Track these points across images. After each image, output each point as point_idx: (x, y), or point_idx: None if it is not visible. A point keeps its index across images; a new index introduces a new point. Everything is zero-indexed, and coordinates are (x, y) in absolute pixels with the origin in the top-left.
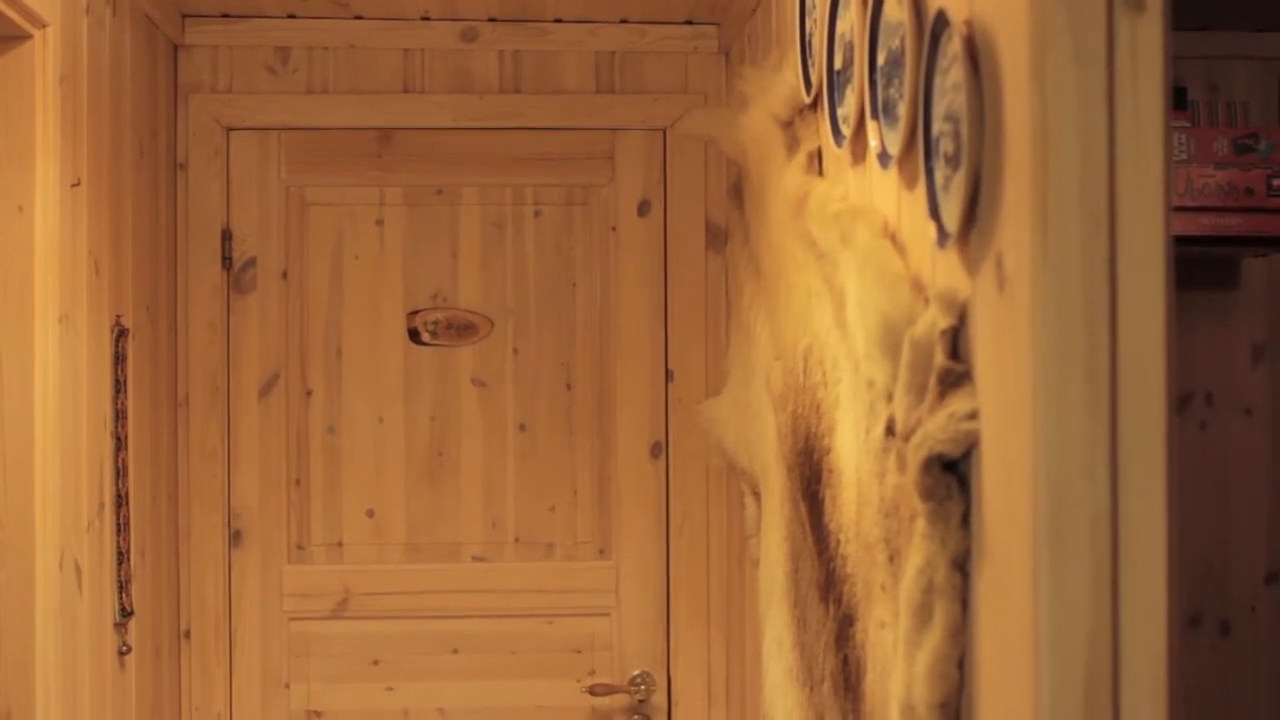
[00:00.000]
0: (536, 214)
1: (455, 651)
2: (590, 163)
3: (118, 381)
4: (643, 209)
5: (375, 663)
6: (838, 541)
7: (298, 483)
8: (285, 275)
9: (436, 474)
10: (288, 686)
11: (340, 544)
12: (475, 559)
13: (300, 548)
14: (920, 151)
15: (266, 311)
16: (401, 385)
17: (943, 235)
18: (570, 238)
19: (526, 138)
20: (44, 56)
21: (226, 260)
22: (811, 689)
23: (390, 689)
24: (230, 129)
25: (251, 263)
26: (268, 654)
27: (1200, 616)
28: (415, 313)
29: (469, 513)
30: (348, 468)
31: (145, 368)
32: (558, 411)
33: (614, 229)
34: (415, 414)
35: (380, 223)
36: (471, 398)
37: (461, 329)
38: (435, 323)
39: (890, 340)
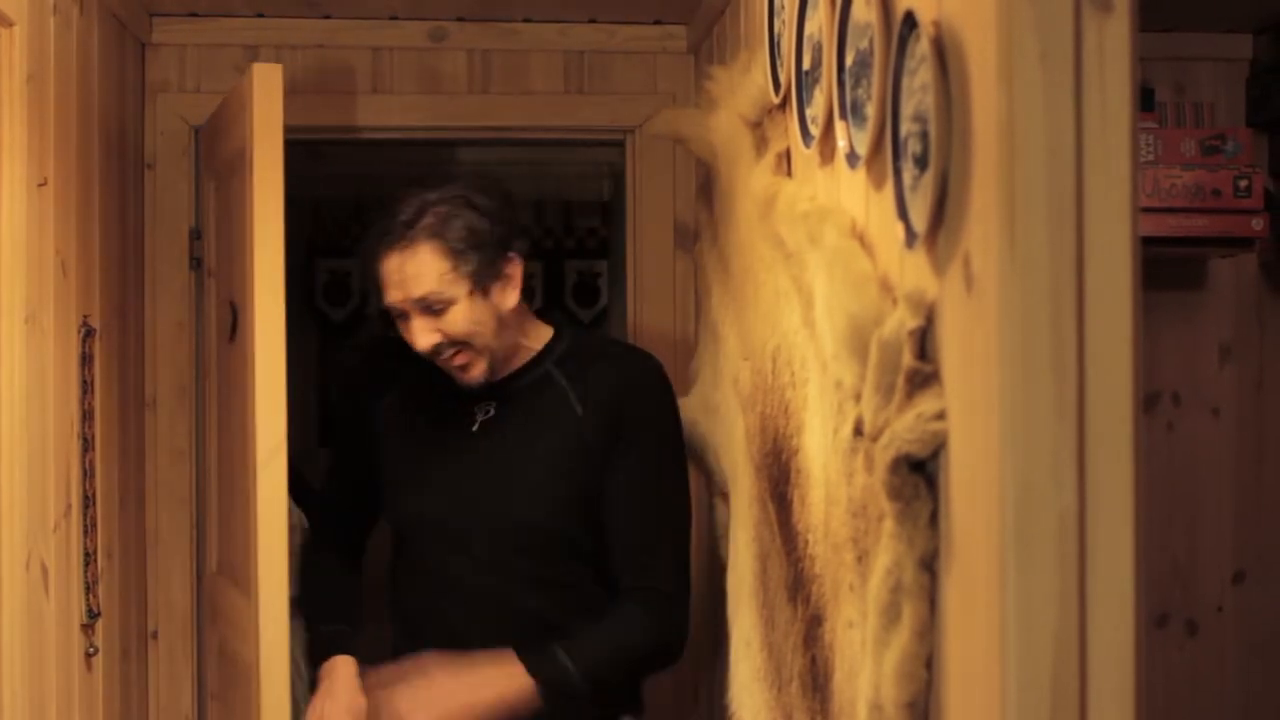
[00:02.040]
0: None
1: None
2: None
3: (85, 382)
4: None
5: None
6: (806, 542)
7: None
8: None
9: None
10: None
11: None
12: None
13: None
14: (888, 152)
15: None
16: None
17: (910, 235)
18: None
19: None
20: (10, 55)
21: (195, 260)
22: (779, 689)
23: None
24: (198, 128)
25: None
26: None
27: (1167, 616)
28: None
29: None
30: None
31: (113, 368)
32: None
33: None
34: None
35: None
36: None
37: None
38: None
39: (858, 341)
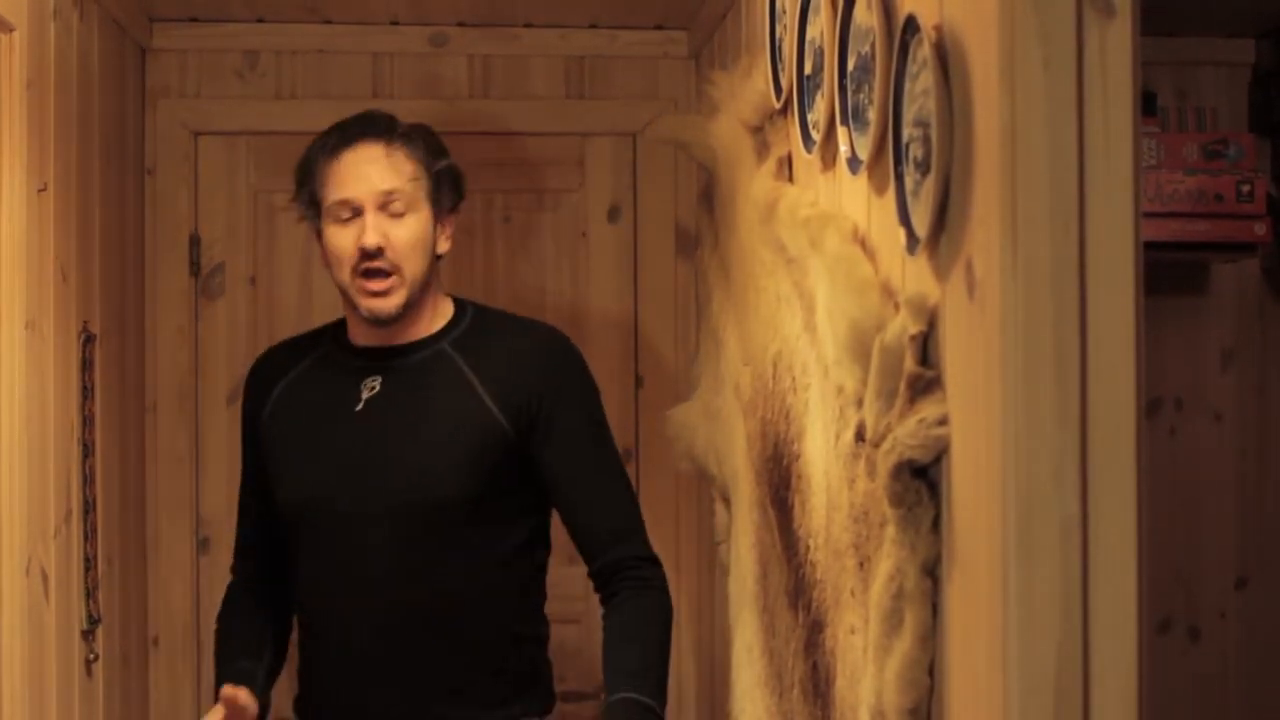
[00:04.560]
0: (506, 220)
1: None
2: (560, 168)
3: (85, 388)
4: (612, 215)
5: None
6: (807, 547)
7: None
8: (253, 281)
9: None
10: None
11: None
12: None
13: None
14: (890, 157)
15: (235, 317)
16: None
17: (912, 241)
18: (540, 244)
19: (496, 143)
20: (10, 61)
21: (194, 266)
22: (781, 695)
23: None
24: (198, 134)
25: (219, 268)
26: None
27: (1170, 622)
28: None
29: None
30: None
31: (113, 374)
32: None
33: (584, 235)
34: None
35: None
36: None
37: None
38: None
39: (860, 346)
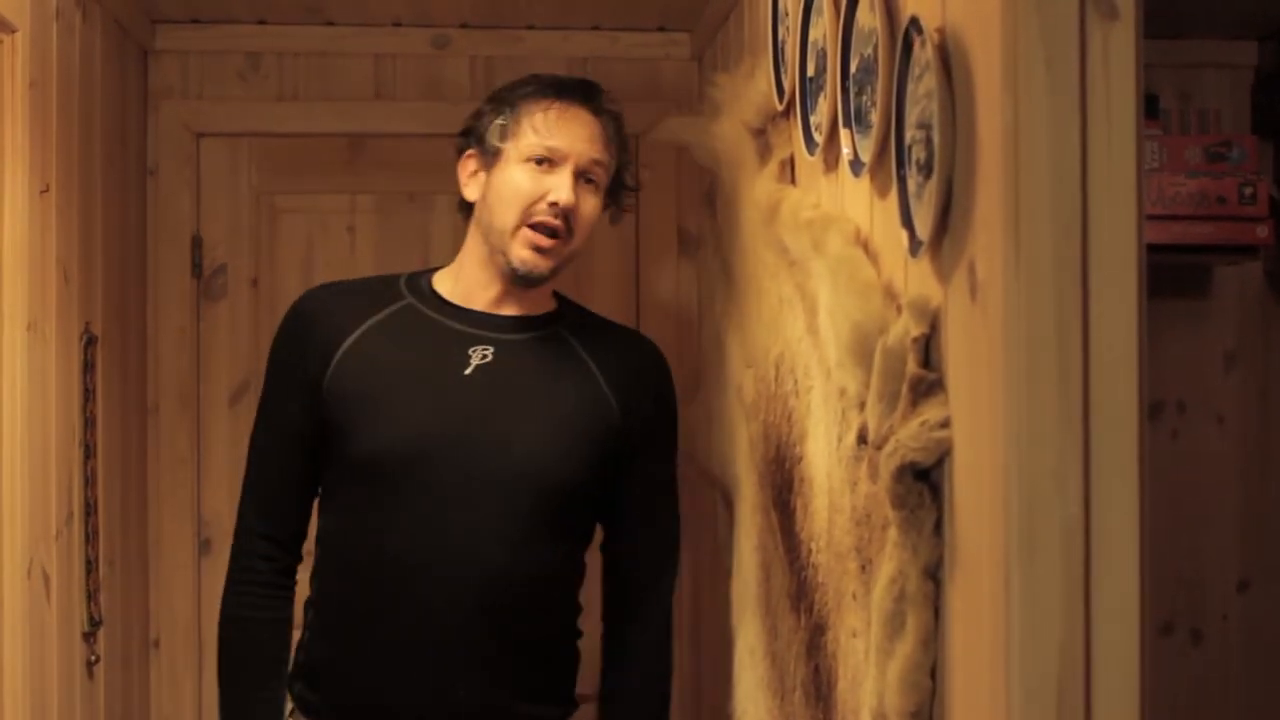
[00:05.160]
0: None
1: None
2: None
3: (87, 389)
4: (614, 216)
5: None
6: (809, 550)
7: None
8: (256, 282)
9: None
10: None
11: (309, 553)
12: None
13: None
14: (893, 159)
15: (237, 319)
16: None
17: (915, 243)
18: None
19: None
20: (13, 62)
21: (196, 267)
22: (783, 698)
23: None
24: (200, 135)
25: (222, 270)
26: None
27: (1172, 625)
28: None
29: None
30: None
31: (114, 375)
32: None
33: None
34: None
35: (351, 230)
36: None
37: None
38: None
39: (862, 348)
